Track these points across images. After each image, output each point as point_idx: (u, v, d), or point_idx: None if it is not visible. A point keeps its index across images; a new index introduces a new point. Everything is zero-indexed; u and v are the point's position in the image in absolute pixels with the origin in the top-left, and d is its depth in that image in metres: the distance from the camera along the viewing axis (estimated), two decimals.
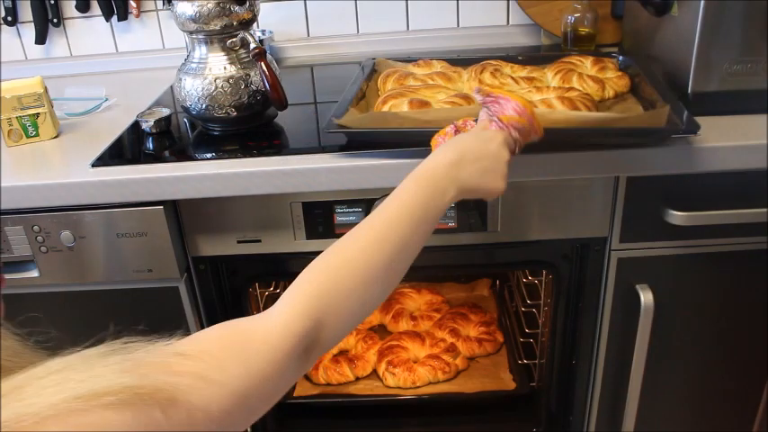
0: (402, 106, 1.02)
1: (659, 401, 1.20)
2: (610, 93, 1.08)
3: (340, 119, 0.97)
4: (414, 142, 0.94)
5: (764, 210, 0.98)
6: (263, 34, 1.48)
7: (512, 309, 1.60)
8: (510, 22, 1.52)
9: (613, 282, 1.09)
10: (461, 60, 1.21)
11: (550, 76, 1.13)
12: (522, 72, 1.15)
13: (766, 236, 1.04)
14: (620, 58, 1.18)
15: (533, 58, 1.22)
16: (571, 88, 1.06)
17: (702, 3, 0.97)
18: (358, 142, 1.00)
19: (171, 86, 1.38)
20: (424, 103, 1.02)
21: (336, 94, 1.09)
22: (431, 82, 1.12)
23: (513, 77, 1.12)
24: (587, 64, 1.15)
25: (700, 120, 0.99)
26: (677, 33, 1.06)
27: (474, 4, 1.51)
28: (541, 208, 1.03)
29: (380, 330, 1.55)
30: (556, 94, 1.01)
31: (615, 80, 1.11)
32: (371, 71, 1.21)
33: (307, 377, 1.43)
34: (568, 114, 0.94)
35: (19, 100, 1.09)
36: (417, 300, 1.61)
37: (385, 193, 1.01)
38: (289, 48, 1.54)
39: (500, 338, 1.49)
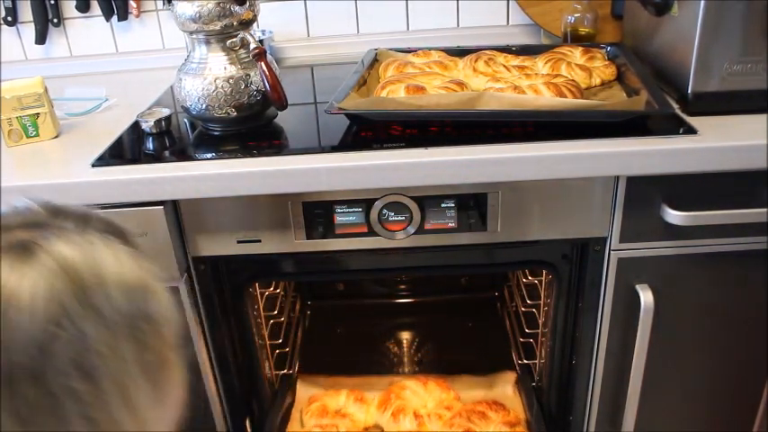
0: (399, 91, 1.08)
1: (659, 401, 1.20)
2: (596, 81, 1.17)
3: (340, 102, 1.03)
4: (407, 124, 1.05)
5: (764, 210, 0.98)
6: (263, 34, 1.48)
7: (512, 309, 1.60)
8: (510, 22, 1.52)
9: (613, 282, 1.09)
10: (459, 51, 1.27)
11: (541, 64, 1.20)
12: (515, 61, 1.22)
13: (766, 236, 1.04)
14: (609, 48, 1.25)
15: (527, 49, 1.28)
16: (558, 75, 1.13)
17: (702, 3, 0.97)
18: (358, 125, 1.07)
19: (171, 86, 1.38)
20: (420, 89, 1.08)
21: None
22: (428, 69, 1.19)
23: (505, 66, 1.19)
24: (576, 54, 1.23)
25: (700, 120, 1.00)
26: (677, 33, 1.07)
27: (474, 4, 1.51)
28: (541, 208, 1.03)
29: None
30: (543, 80, 1.08)
31: (602, 69, 1.18)
32: (373, 60, 1.27)
33: None
34: (553, 101, 1.02)
35: (19, 100, 1.09)
36: (423, 396, 1.32)
37: (385, 193, 1.02)
38: (289, 48, 1.54)
39: None
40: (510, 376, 1.36)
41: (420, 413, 1.26)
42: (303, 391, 1.40)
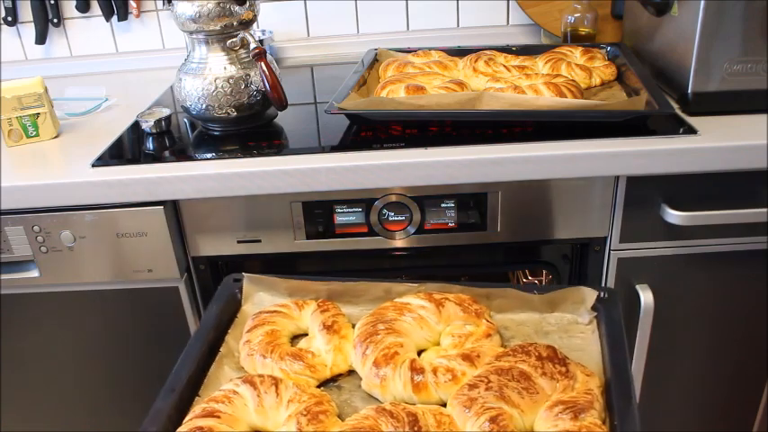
0: (399, 91, 1.09)
1: (659, 401, 1.20)
2: (596, 81, 1.17)
3: (340, 103, 1.03)
4: (407, 124, 1.06)
5: (764, 210, 0.98)
6: (263, 34, 1.48)
7: None
8: (510, 22, 1.52)
9: (613, 282, 1.09)
10: (459, 51, 1.28)
11: (541, 64, 1.20)
12: (515, 61, 1.22)
13: (766, 236, 1.04)
14: (609, 48, 1.26)
15: (527, 49, 1.29)
16: (558, 75, 1.13)
17: (702, 3, 0.97)
18: (359, 125, 1.08)
19: (171, 86, 1.38)
20: (420, 89, 1.09)
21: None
22: (428, 69, 1.19)
23: (505, 66, 1.19)
24: (576, 54, 1.23)
25: (700, 120, 1.00)
26: (677, 33, 1.07)
27: (474, 4, 1.51)
28: (541, 208, 1.03)
29: (351, 382, 0.69)
30: (543, 80, 1.08)
31: (602, 69, 1.19)
32: (373, 60, 1.27)
33: None
34: (553, 101, 1.02)
35: (19, 100, 1.09)
36: (434, 327, 0.72)
37: (385, 193, 1.02)
38: (289, 48, 1.54)
39: None
40: (587, 294, 0.76)
41: (420, 365, 0.67)
42: (252, 302, 0.85)
